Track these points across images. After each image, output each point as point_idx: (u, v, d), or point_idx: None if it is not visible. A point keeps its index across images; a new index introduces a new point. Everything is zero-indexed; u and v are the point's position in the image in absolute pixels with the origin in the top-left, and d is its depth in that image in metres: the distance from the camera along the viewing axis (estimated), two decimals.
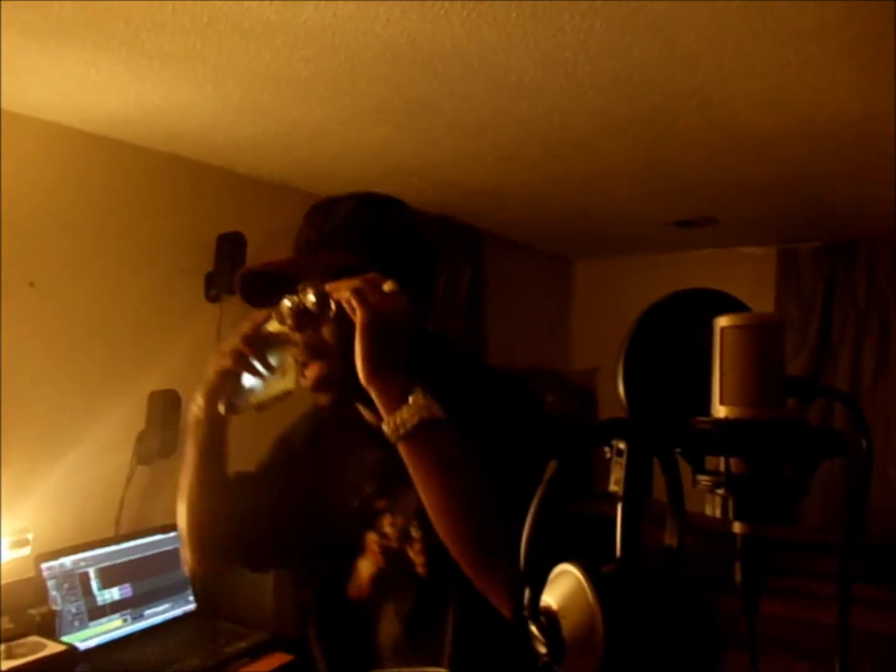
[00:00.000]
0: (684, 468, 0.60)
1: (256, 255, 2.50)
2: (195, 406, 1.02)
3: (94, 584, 1.94)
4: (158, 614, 2.05)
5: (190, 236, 2.46)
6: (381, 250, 0.97)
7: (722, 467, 0.58)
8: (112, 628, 1.94)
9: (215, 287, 2.46)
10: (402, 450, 0.85)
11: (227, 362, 0.97)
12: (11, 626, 1.75)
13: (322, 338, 0.94)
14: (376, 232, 1.00)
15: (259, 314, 0.97)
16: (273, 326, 0.96)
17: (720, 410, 0.58)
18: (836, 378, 3.62)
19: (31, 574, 1.85)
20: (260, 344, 0.97)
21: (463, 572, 0.86)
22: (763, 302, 3.69)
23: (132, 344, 2.29)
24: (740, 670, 0.70)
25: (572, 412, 3.50)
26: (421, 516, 0.91)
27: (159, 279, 2.37)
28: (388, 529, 1.00)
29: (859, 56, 1.61)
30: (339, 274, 0.91)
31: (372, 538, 1.02)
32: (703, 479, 0.59)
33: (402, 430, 0.84)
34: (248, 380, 0.99)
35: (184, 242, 2.44)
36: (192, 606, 2.14)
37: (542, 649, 0.57)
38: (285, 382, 0.97)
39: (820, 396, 0.64)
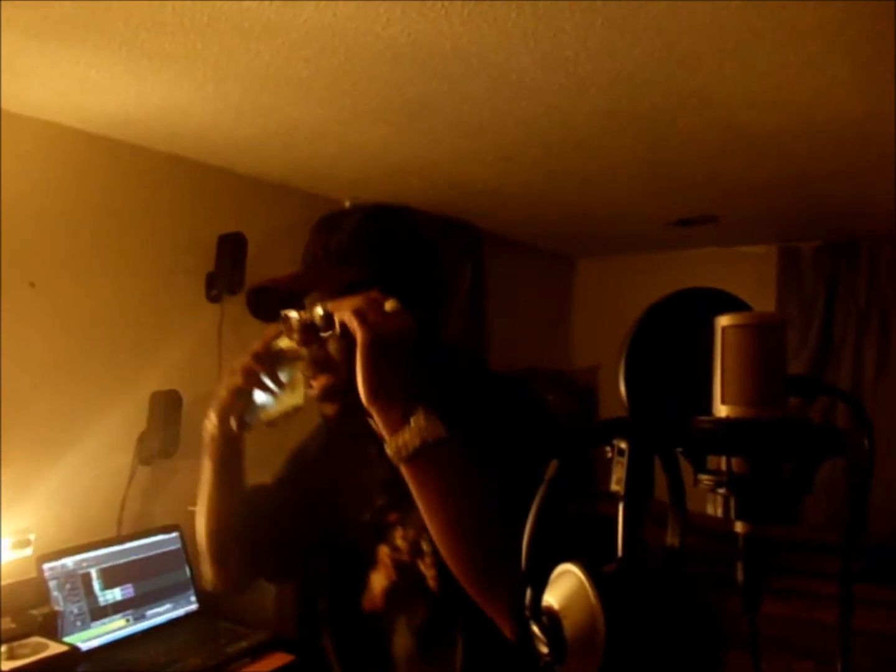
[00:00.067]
0: (686, 467, 0.60)
1: (257, 255, 2.50)
2: (209, 423, 1.03)
3: (95, 585, 1.94)
4: (160, 614, 2.06)
5: (190, 236, 2.46)
6: (388, 263, 0.97)
7: (723, 467, 0.58)
8: (114, 629, 1.94)
9: (216, 287, 2.47)
10: (404, 471, 0.85)
11: (238, 380, 0.99)
12: (13, 626, 1.75)
13: (328, 352, 0.94)
14: (383, 245, 0.99)
15: (270, 331, 0.98)
16: (283, 342, 0.97)
17: (721, 410, 0.58)
18: (838, 377, 3.62)
19: (33, 574, 1.85)
20: (270, 360, 0.98)
21: None
22: (764, 301, 3.69)
23: (133, 344, 2.29)
24: (741, 670, 0.70)
25: (573, 411, 3.50)
26: None
27: (160, 279, 2.37)
28: (399, 542, 1.01)
29: (860, 56, 1.61)
30: (345, 289, 0.91)
31: (384, 551, 1.02)
32: (705, 479, 0.59)
33: (404, 452, 0.83)
34: (259, 396, 1.01)
35: (184, 242, 2.44)
36: (193, 607, 2.14)
37: (544, 649, 0.57)
38: (294, 398, 0.98)
39: (821, 395, 0.64)
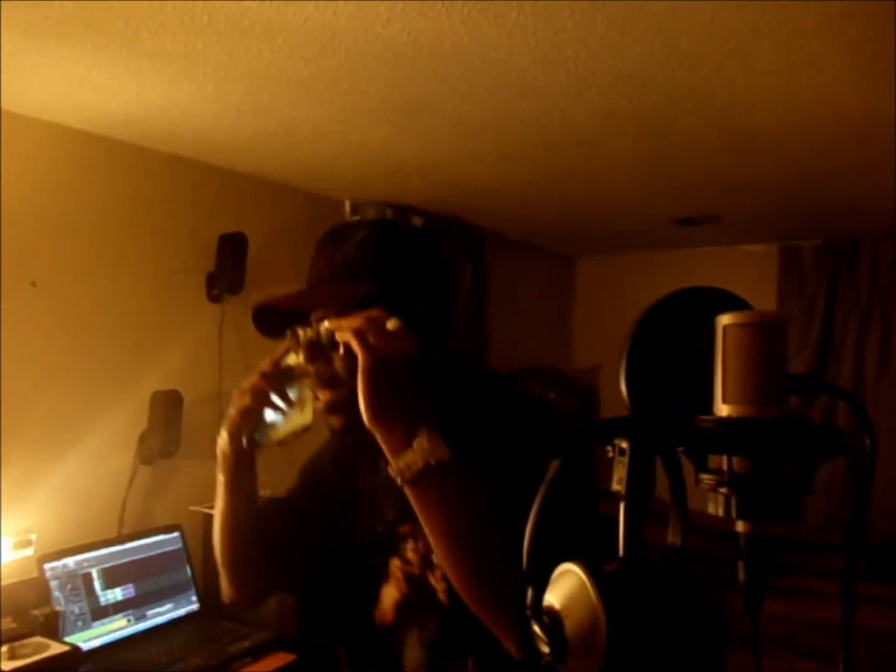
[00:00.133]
0: (687, 467, 0.60)
1: (257, 254, 2.50)
2: (221, 441, 1.03)
3: (97, 585, 1.95)
4: (161, 614, 2.06)
5: (191, 236, 2.46)
6: (394, 279, 0.96)
7: (725, 466, 0.58)
8: (115, 628, 1.94)
9: (217, 287, 2.47)
10: (408, 493, 0.85)
11: (247, 401, 0.99)
12: (14, 626, 1.75)
13: (334, 369, 0.94)
14: (389, 260, 0.98)
15: (278, 349, 0.98)
16: (291, 359, 0.97)
17: (723, 409, 0.58)
18: (839, 376, 3.62)
19: (34, 574, 1.86)
20: (279, 379, 0.98)
21: None
22: (765, 300, 3.69)
23: (134, 344, 2.29)
24: (743, 669, 0.70)
25: (574, 411, 3.49)
26: None
27: (160, 279, 2.37)
28: (410, 555, 1.00)
29: (860, 55, 1.61)
30: (353, 305, 0.90)
31: (395, 564, 1.02)
32: (706, 478, 0.59)
33: (407, 475, 0.83)
34: (269, 415, 1.01)
35: (185, 242, 2.44)
36: (195, 606, 2.14)
37: (545, 649, 0.57)
38: (304, 418, 0.99)
39: (823, 394, 0.64)
